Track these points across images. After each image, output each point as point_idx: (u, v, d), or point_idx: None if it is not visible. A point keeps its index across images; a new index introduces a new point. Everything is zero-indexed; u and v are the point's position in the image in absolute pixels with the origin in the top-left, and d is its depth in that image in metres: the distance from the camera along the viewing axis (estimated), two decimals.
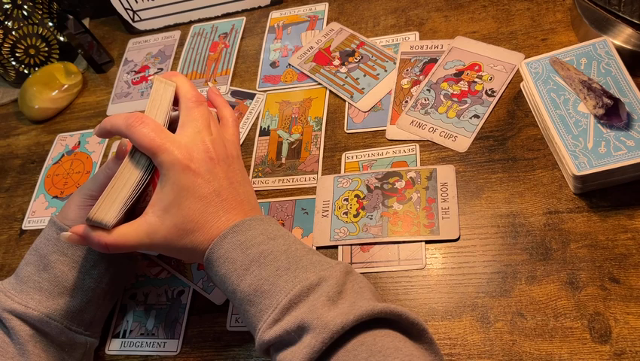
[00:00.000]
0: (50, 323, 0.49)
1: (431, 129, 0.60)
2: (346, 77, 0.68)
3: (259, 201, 0.61)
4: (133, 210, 0.47)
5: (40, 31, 0.82)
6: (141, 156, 0.46)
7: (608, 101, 0.48)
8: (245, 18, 0.81)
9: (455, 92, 0.61)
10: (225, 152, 0.47)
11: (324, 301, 0.37)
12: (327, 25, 0.75)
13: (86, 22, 0.91)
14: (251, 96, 0.71)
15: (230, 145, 0.49)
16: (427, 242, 0.53)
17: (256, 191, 0.62)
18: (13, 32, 0.79)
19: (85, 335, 0.52)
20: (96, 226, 0.45)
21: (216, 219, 0.44)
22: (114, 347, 0.57)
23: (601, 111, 0.48)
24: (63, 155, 0.75)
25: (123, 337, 0.57)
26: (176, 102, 0.49)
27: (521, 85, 0.58)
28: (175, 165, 0.44)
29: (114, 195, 0.45)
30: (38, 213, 0.71)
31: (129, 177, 0.46)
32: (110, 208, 0.45)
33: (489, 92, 0.60)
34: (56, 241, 0.51)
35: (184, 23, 0.85)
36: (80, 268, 0.51)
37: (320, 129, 0.65)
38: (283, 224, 0.59)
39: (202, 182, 0.44)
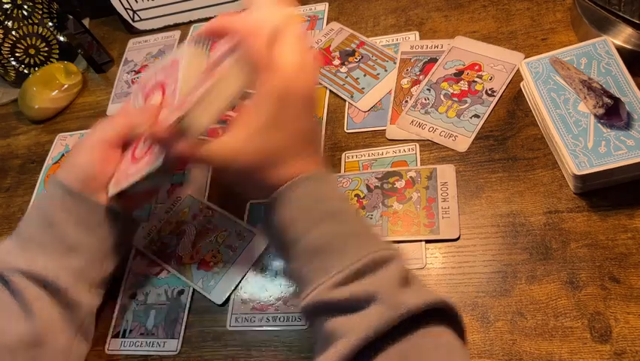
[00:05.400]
0: (54, 282, 0.48)
1: (431, 129, 0.60)
2: (346, 77, 0.68)
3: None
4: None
5: (40, 31, 0.82)
6: (240, 73, 0.43)
7: (608, 101, 0.48)
8: None
9: (455, 92, 0.61)
10: (313, 95, 0.44)
11: (398, 279, 0.37)
12: (327, 25, 0.75)
13: (86, 22, 0.91)
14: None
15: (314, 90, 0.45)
16: (427, 242, 0.53)
17: None
18: (13, 32, 0.79)
19: (89, 295, 0.52)
20: (178, 132, 0.40)
21: (295, 161, 0.43)
22: (114, 346, 0.56)
23: (601, 111, 0.48)
24: (63, 155, 0.75)
25: (123, 336, 0.57)
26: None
27: (521, 85, 0.58)
28: (276, 90, 0.41)
29: (208, 104, 0.40)
30: None
31: (224, 90, 0.42)
32: (202, 116, 0.40)
33: (489, 92, 0.60)
34: (61, 200, 0.50)
35: (184, 23, 0.85)
36: (86, 228, 0.50)
37: (320, 129, 0.65)
38: None
39: (294, 117, 0.42)
